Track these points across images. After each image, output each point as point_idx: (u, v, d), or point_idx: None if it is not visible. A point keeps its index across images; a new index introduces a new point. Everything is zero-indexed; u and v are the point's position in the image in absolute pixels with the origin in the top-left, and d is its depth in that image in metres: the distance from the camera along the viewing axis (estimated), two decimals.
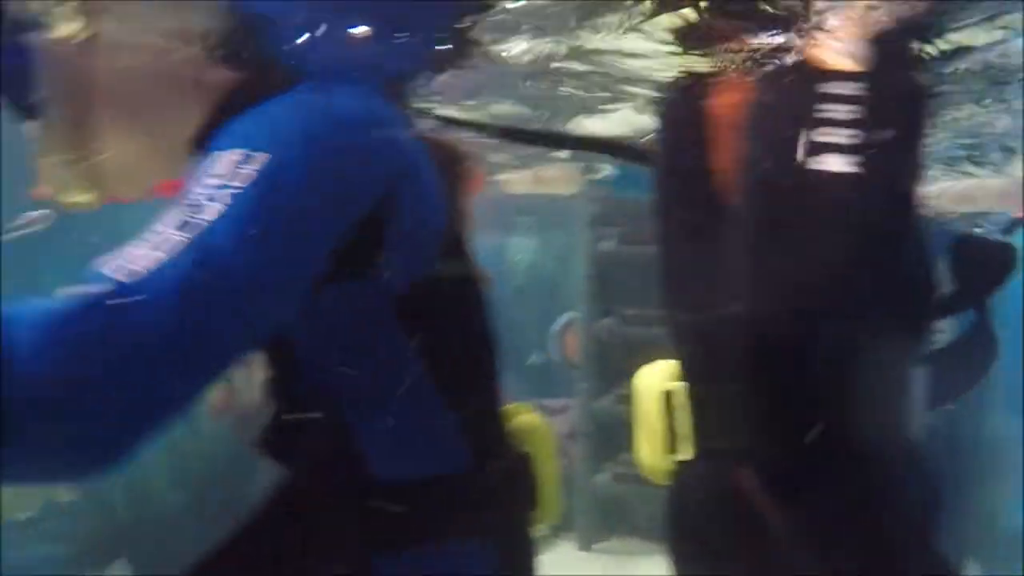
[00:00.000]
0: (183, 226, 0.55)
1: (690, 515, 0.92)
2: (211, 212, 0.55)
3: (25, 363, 0.48)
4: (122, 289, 0.51)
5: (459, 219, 0.80)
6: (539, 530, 0.85)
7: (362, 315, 0.70)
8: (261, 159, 0.58)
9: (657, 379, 0.92)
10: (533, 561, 0.84)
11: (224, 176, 0.57)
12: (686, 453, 0.88)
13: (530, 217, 5.23)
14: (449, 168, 0.79)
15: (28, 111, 0.68)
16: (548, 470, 0.84)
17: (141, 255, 0.53)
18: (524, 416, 0.86)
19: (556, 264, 5.20)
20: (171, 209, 0.57)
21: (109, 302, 0.50)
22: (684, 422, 0.88)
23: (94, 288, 0.51)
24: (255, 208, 0.56)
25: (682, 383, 0.90)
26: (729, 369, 0.84)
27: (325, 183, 0.62)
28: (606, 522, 3.39)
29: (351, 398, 0.72)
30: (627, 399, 3.96)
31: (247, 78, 0.71)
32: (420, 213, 0.70)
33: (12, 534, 2.33)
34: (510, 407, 0.85)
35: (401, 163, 0.69)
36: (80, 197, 0.72)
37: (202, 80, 0.70)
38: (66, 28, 0.66)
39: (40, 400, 0.48)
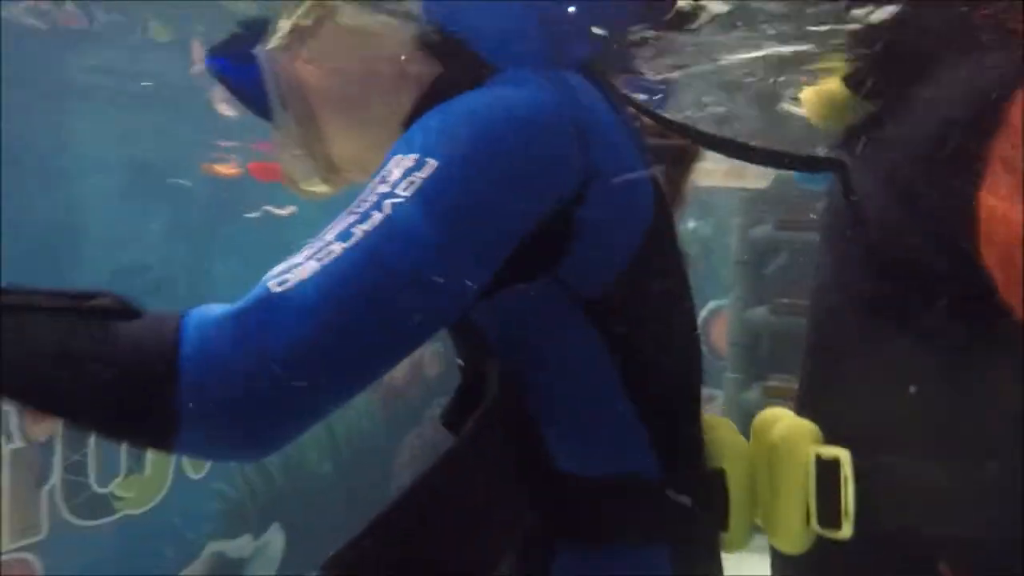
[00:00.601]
0: (344, 236, 0.57)
1: None
2: (372, 222, 0.57)
3: (189, 361, 0.53)
4: (270, 300, 0.54)
5: (669, 209, 0.76)
6: (725, 552, 0.79)
7: (548, 312, 0.69)
8: (430, 167, 0.59)
9: (802, 437, 0.80)
10: None
11: (392, 183, 0.59)
12: (846, 531, 0.76)
13: None
14: (666, 153, 0.77)
15: (264, 114, 0.75)
16: (742, 491, 0.78)
17: (300, 264, 0.56)
18: (723, 431, 0.80)
19: (700, 249, 5.07)
20: (344, 213, 0.59)
21: (257, 312, 0.54)
22: (849, 496, 0.76)
23: (251, 297, 0.55)
24: (414, 219, 0.57)
25: (844, 450, 0.77)
26: (940, 441, 0.74)
27: (497, 190, 0.61)
28: None
29: (536, 389, 0.71)
30: (775, 391, 3.78)
31: (449, 66, 0.71)
32: (616, 211, 0.67)
33: (185, 489, 2.59)
34: (710, 420, 0.80)
35: (593, 162, 0.66)
36: (318, 187, 0.78)
37: (407, 71, 0.72)
38: (283, 39, 0.72)
39: (201, 393, 0.53)
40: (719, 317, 3.96)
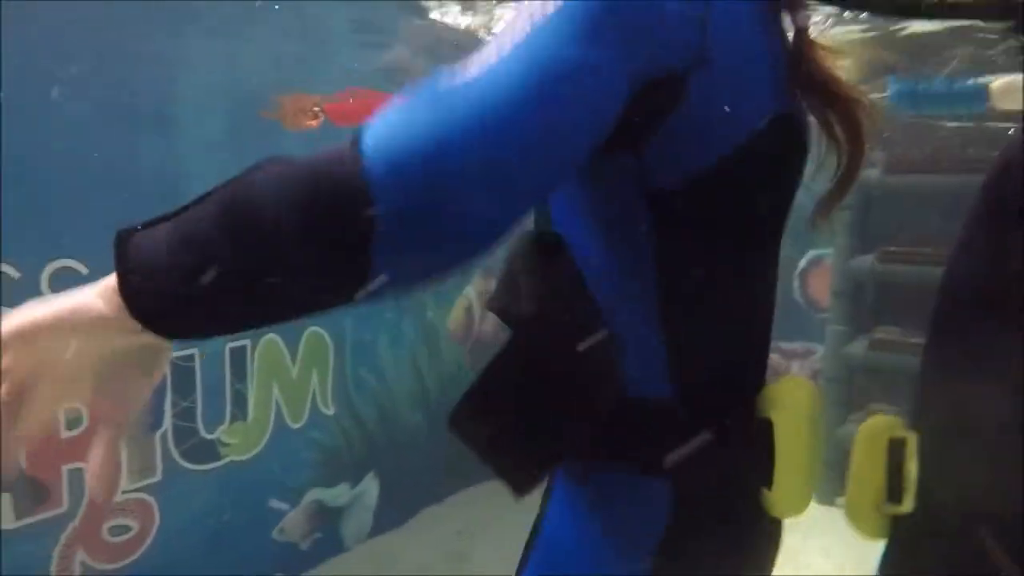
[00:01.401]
0: (498, 53, 0.57)
1: None
2: (518, 38, 0.57)
3: (373, 173, 0.53)
4: (428, 113, 0.55)
5: (792, 140, 0.72)
6: (769, 512, 0.75)
7: (612, 190, 0.69)
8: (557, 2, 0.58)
9: (885, 428, 0.83)
10: (747, 539, 0.76)
11: (530, 12, 0.58)
12: (906, 506, 0.81)
13: None
14: (823, 95, 0.75)
15: None
16: (795, 449, 0.73)
17: (455, 81, 0.56)
18: (793, 388, 0.75)
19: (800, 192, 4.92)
20: (493, 40, 0.59)
21: (423, 125, 0.54)
22: (912, 472, 0.81)
23: (415, 113, 0.55)
24: (553, 42, 0.57)
25: (912, 433, 0.81)
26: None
27: (620, 34, 0.59)
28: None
29: (582, 268, 0.71)
30: (882, 344, 3.67)
31: None
32: (714, 110, 0.65)
33: (285, 437, 2.74)
34: (794, 380, 0.77)
35: (709, 48, 0.64)
36: None
37: None
38: None
39: (392, 201, 0.52)
40: (820, 267, 3.86)
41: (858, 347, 3.46)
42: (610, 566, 0.73)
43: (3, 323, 0.54)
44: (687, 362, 0.71)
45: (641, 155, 0.66)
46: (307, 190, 0.53)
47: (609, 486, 0.74)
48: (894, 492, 0.81)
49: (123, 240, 0.55)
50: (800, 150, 0.75)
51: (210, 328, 0.58)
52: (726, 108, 0.66)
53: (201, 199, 0.56)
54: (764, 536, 0.80)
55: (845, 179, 0.80)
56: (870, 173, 3.44)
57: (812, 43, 0.75)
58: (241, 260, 0.53)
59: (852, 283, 3.52)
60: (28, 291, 1.98)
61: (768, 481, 0.72)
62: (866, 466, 0.82)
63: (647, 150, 0.66)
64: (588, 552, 0.74)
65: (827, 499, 3.35)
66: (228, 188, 0.55)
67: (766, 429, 0.72)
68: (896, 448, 0.81)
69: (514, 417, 0.69)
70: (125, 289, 0.54)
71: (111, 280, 0.55)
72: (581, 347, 0.68)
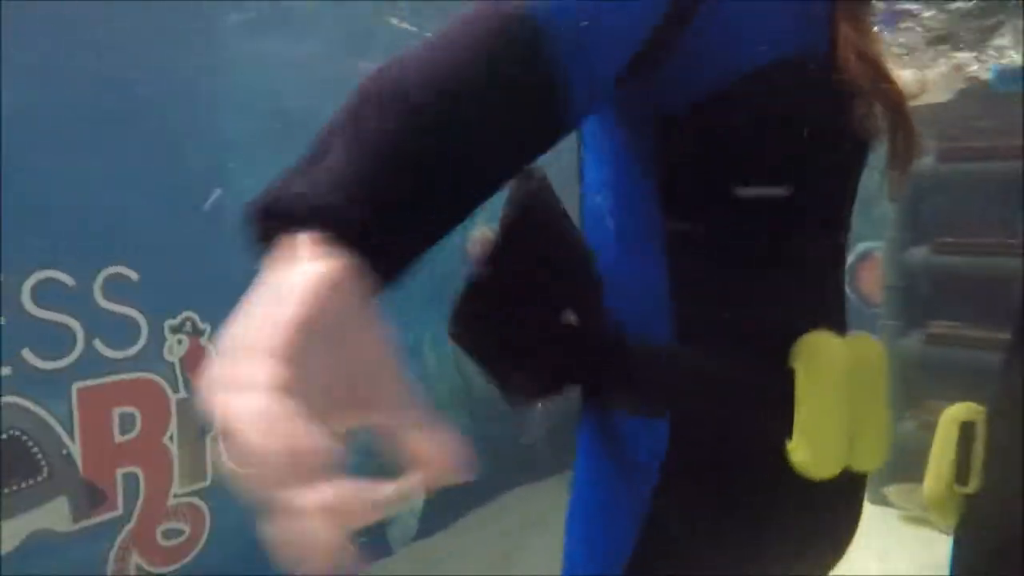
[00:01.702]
0: None
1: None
2: None
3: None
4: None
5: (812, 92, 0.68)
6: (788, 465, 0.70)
7: (619, 122, 0.69)
8: None
9: (962, 412, 0.89)
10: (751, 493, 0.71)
11: None
12: (972, 486, 0.86)
13: None
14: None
15: None
16: (819, 405, 0.69)
17: None
18: (823, 339, 0.70)
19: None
20: None
21: None
22: (978, 454, 0.86)
23: None
24: None
25: (982, 414, 0.86)
26: None
27: None
28: (908, 475, 3.20)
29: (594, 208, 0.72)
30: (937, 339, 3.60)
31: None
32: (716, 44, 0.64)
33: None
34: (854, 339, 0.74)
35: None
36: None
37: None
38: None
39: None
40: (869, 261, 3.80)
41: (912, 342, 3.40)
42: (616, 506, 0.74)
43: (250, 362, 0.38)
44: (691, 308, 0.70)
45: (651, 86, 0.65)
46: (481, 39, 0.51)
47: (616, 426, 0.74)
48: (962, 474, 0.86)
49: (275, 195, 0.46)
50: (826, 112, 0.70)
51: (437, 225, 0.52)
52: (731, 36, 0.64)
53: (343, 117, 0.50)
54: (810, 510, 0.74)
55: (897, 170, 0.77)
56: (923, 161, 3.37)
57: (853, 20, 0.72)
58: (443, 128, 0.49)
59: (905, 276, 3.46)
60: (83, 299, 2.04)
61: (785, 429, 0.69)
62: (942, 449, 0.88)
63: (656, 82, 0.65)
64: (601, 494, 0.76)
65: (880, 499, 3.30)
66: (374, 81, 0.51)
67: (782, 376, 0.69)
68: (967, 431, 0.86)
69: (491, 338, 0.72)
70: (338, 225, 0.45)
71: (302, 243, 0.44)
72: (552, 274, 0.70)
